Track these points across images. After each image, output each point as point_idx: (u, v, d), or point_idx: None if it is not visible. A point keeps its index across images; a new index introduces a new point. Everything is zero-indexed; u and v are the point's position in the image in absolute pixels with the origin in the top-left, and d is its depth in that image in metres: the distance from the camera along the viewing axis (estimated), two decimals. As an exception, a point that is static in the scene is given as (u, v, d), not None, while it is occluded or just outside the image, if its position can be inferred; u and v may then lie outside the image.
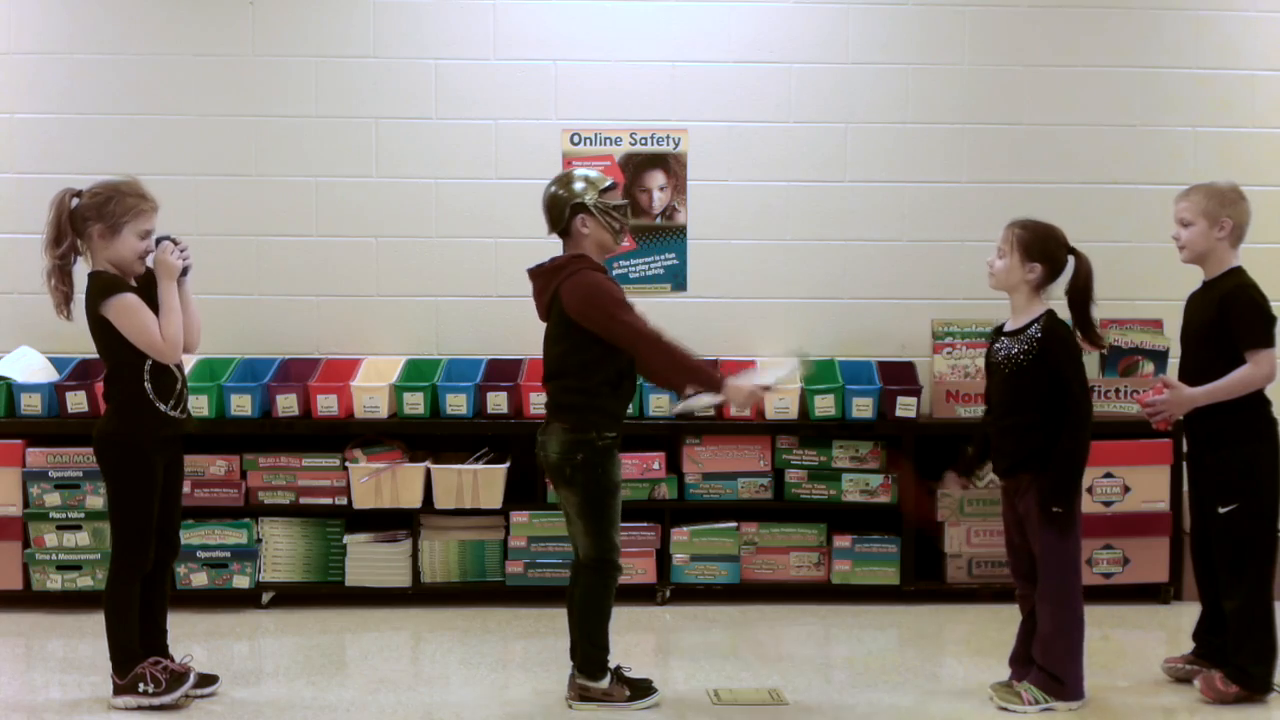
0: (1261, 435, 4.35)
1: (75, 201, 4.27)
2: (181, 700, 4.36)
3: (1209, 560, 4.45)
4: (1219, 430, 4.34)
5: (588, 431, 4.27)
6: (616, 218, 4.35)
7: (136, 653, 4.36)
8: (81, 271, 4.34)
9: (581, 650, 4.40)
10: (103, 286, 4.23)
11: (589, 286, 4.23)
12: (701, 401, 4.31)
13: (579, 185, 4.32)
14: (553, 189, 4.36)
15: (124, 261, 4.27)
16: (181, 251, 4.31)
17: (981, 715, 4.35)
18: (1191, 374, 4.41)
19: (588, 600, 4.37)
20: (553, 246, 5.82)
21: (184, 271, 4.34)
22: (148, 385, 4.26)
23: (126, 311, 4.21)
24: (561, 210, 4.32)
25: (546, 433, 4.38)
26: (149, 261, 4.33)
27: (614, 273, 5.72)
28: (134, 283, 4.34)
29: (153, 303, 4.30)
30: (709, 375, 4.23)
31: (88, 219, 4.24)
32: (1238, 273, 4.39)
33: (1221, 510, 4.32)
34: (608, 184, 4.38)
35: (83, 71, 5.99)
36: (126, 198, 4.24)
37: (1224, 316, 4.31)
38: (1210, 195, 4.39)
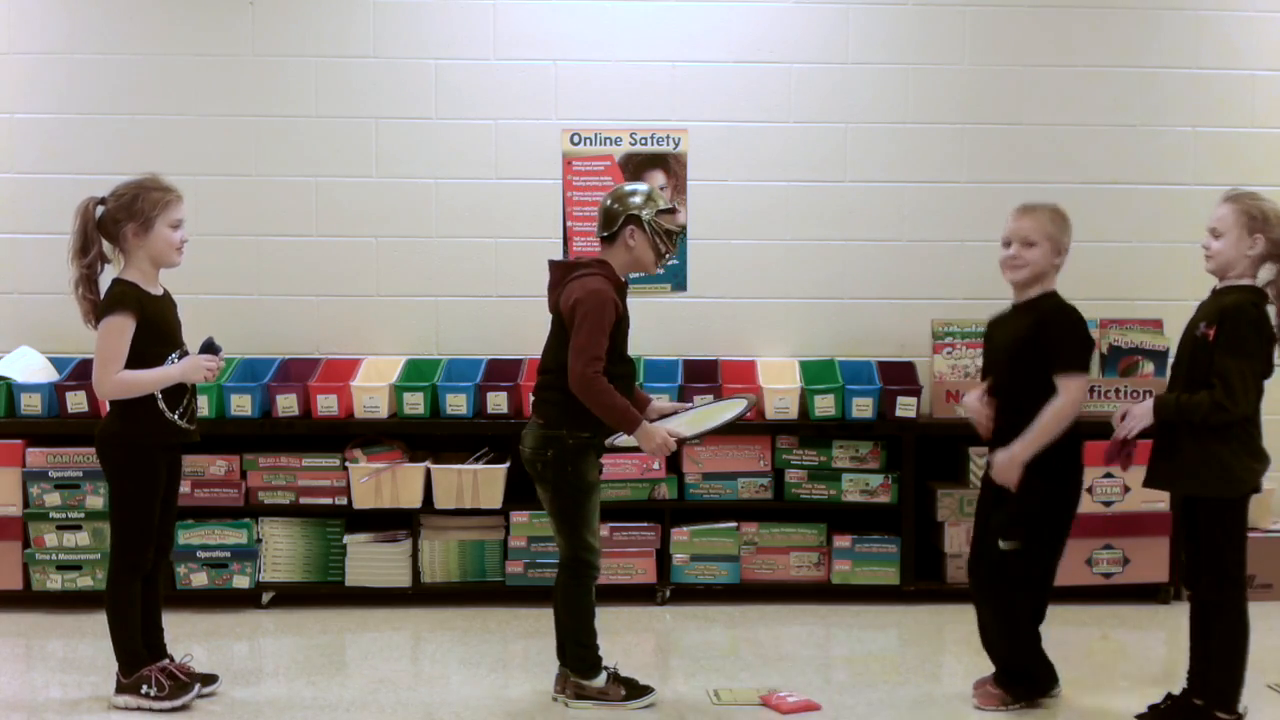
0: (1062, 478, 4.24)
1: (100, 209, 4.28)
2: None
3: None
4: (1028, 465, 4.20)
5: (559, 429, 4.29)
6: (665, 241, 4.36)
7: (141, 654, 4.36)
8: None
9: (570, 650, 4.41)
10: (113, 299, 4.24)
11: (592, 291, 4.23)
12: (623, 440, 4.36)
13: (638, 199, 4.35)
14: (611, 198, 4.38)
15: (161, 255, 4.29)
16: (217, 363, 4.40)
17: (981, 715, 4.35)
18: (1002, 393, 4.27)
19: (566, 600, 4.40)
20: (552, 247, 5.86)
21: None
22: (158, 391, 4.27)
23: (110, 331, 4.21)
24: (616, 217, 4.34)
25: (526, 428, 4.42)
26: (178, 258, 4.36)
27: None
28: (160, 289, 4.37)
29: (168, 320, 4.35)
30: (628, 419, 4.23)
31: (119, 220, 4.25)
32: (1056, 295, 4.27)
33: (1002, 545, 4.22)
34: (668, 206, 4.39)
35: (83, 71, 5.99)
36: (151, 192, 4.26)
37: (1039, 336, 4.17)
38: (1055, 220, 4.26)
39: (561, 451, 4.30)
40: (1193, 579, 4.21)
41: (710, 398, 4.58)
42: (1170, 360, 5.72)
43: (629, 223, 4.32)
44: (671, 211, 4.41)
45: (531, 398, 4.46)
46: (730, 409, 4.49)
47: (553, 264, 4.43)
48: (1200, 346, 4.04)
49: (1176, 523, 4.31)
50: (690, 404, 4.63)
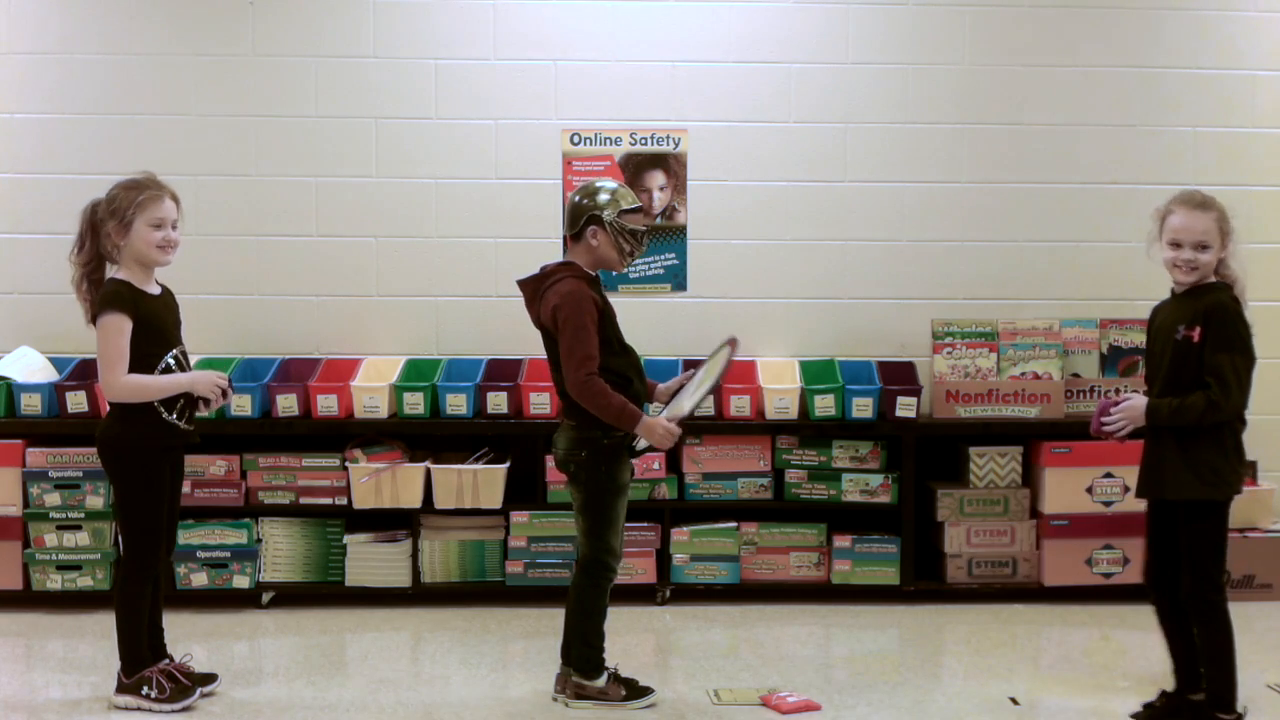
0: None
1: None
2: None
3: None
4: None
5: (593, 430, 4.29)
6: (629, 240, 4.33)
7: (145, 655, 4.36)
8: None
9: (575, 649, 4.42)
10: (106, 297, 4.23)
11: (566, 294, 4.24)
12: (641, 443, 4.33)
13: (603, 197, 4.33)
14: (579, 193, 4.37)
15: (143, 254, 4.27)
16: (222, 394, 4.35)
17: (981, 715, 4.35)
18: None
19: (580, 599, 4.40)
20: (552, 247, 5.86)
21: (206, 401, 4.37)
22: None
23: (109, 331, 4.20)
24: (579, 217, 4.33)
25: (559, 430, 4.43)
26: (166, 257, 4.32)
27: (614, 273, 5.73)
28: (157, 287, 4.36)
29: (163, 320, 4.33)
30: (627, 415, 4.22)
31: (102, 221, 4.25)
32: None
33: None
34: (632, 205, 4.36)
35: (81, 71, 5.99)
36: (130, 191, 4.25)
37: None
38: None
39: (595, 452, 4.30)
40: (1159, 579, 4.18)
41: (705, 364, 4.55)
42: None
43: (591, 223, 4.31)
44: (637, 211, 4.38)
45: (560, 401, 4.43)
46: (719, 362, 4.47)
47: (521, 283, 4.42)
48: (1182, 349, 4.01)
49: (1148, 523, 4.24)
50: (691, 371, 4.61)
